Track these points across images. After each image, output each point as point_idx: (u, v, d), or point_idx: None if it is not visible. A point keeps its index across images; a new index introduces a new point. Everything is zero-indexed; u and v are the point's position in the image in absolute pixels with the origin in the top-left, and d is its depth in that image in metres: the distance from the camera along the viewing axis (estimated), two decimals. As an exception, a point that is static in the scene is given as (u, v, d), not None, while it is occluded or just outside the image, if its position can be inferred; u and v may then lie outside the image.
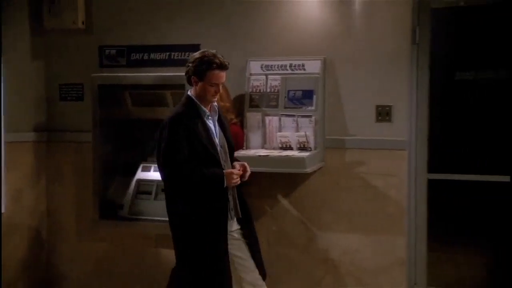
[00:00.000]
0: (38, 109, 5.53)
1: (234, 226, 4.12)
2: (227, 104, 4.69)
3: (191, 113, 4.01)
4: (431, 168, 4.63)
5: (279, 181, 4.81)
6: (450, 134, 4.92)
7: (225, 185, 3.95)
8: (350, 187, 4.68)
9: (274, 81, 4.80)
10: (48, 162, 5.57)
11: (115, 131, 5.34)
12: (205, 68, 3.93)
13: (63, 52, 5.49)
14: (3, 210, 5.04)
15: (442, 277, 4.86)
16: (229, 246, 4.00)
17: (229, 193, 4.05)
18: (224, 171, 3.98)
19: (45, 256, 5.62)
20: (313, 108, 4.66)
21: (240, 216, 4.14)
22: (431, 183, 4.65)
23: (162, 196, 5.02)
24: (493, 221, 4.79)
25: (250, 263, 4.13)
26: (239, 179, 3.99)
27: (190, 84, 4.08)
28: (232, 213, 4.11)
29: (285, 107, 4.74)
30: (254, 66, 4.83)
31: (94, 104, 5.25)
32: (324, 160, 4.69)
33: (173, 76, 5.04)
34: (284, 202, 4.90)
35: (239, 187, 4.13)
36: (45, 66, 5.55)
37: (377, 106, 4.61)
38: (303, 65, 4.73)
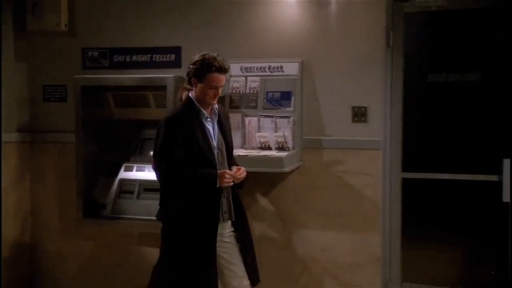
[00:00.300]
0: (22, 110, 5.53)
1: (226, 229, 4.07)
2: None
3: (189, 113, 4.00)
4: (407, 168, 4.68)
5: (258, 180, 4.78)
6: (424, 135, 4.97)
7: (218, 185, 3.92)
8: (327, 186, 4.73)
9: (253, 82, 4.83)
10: (31, 163, 5.57)
11: (98, 132, 5.33)
12: (205, 70, 3.92)
13: (46, 54, 5.49)
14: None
15: (416, 273, 4.92)
16: (219, 249, 3.98)
17: (223, 196, 4.02)
18: (217, 171, 3.95)
19: (29, 255, 5.60)
20: (291, 109, 4.70)
21: (233, 219, 4.10)
22: (408, 182, 4.70)
23: (145, 195, 5.22)
24: (467, 218, 4.83)
25: (239, 269, 4.07)
26: (231, 180, 3.94)
27: (191, 85, 4.06)
28: (226, 215, 4.06)
29: (264, 108, 4.78)
30: (234, 68, 4.83)
31: (77, 105, 5.24)
32: (302, 160, 4.74)
33: (155, 77, 5.07)
34: (263, 200, 4.94)
35: (234, 190, 4.10)
36: (28, 68, 5.54)
37: (353, 107, 4.66)
38: (281, 67, 4.77)
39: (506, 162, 4.40)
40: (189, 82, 4.06)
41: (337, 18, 4.70)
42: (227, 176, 3.92)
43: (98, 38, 5.33)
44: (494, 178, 4.45)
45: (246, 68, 4.86)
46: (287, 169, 4.52)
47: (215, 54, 3.97)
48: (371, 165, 4.66)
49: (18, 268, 5.52)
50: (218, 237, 3.98)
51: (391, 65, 4.65)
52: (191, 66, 3.99)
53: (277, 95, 4.77)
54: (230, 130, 4.23)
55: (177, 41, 5.10)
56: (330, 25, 4.72)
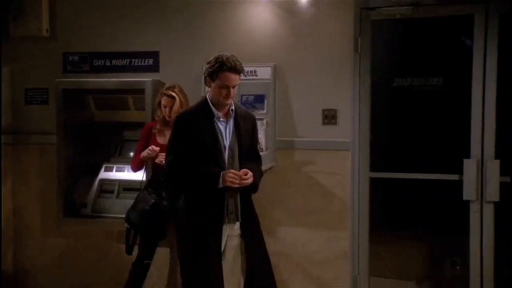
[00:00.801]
0: (4, 112, 5.53)
1: (234, 231, 3.96)
2: None
3: (201, 112, 3.93)
4: (376, 167, 4.78)
5: None
6: (391, 136, 5.08)
7: (221, 184, 3.82)
8: (299, 185, 4.82)
9: None
10: (14, 163, 5.58)
11: (79, 134, 5.39)
12: (217, 69, 3.84)
13: (28, 58, 5.52)
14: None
15: (383, 267, 5.03)
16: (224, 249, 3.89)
17: (229, 196, 3.90)
18: (222, 171, 3.84)
19: (12, 253, 5.61)
20: (264, 111, 4.77)
21: (240, 221, 3.95)
22: (379, 182, 4.82)
23: (124, 195, 5.29)
24: (433, 216, 4.97)
25: (236, 277, 3.96)
26: (236, 180, 3.80)
27: (206, 85, 4.01)
28: (232, 216, 3.93)
29: None
30: None
31: (59, 108, 5.29)
32: (275, 160, 4.82)
33: (134, 81, 5.14)
34: None
35: (246, 193, 3.97)
36: (11, 71, 5.56)
37: (324, 110, 4.75)
38: (255, 71, 4.83)
39: (466, 162, 4.51)
40: (205, 82, 4.00)
41: (308, 25, 4.79)
42: (230, 175, 3.81)
43: (79, 43, 5.37)
44: (455, 177, 4.56)
45: None
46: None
47: (229, 55, 3.90)
48: (340, 165, 4.75)
49: (2, 265, 5.50)
50: (226, 238, 3.89)
51: (359, 70, 4.74)
52: (206, 66, 3.93)
53: (251, 98, 4.84)
54: (250, 131, 4.06)
55: (155, 46, 5.16)
56: (302, 32, 4.81)
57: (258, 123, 4.70)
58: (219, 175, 3.81)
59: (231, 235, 3.94)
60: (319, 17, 4.76)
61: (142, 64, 5.21)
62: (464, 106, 4.51)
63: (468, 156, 4.53)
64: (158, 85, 4.98)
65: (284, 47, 4.85)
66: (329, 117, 4.75)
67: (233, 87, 3.89)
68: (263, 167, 4.58)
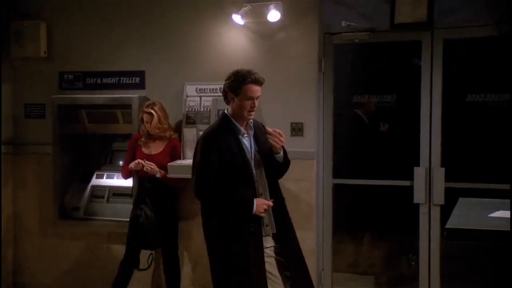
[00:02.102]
0: (6, 125, 5.61)
1: (269, 243, 3.70)
2: (165, 126, 4.87)
3: (225, 129, 3.69)
4: (340, 175, 4.92)
5: None
6: (352, 147, 5.25)
7: (254, 212, 3.58)
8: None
9: (207, 102, 4.99)
10: (14, 171, 5.68)
11: (73, 144, 5.51)
12: (240, 82, 3.63)
13: (27, 77, 5.64)
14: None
15: (345, 264, 5.21)
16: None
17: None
18: (255, 198, 3.60)
19: (12, 253, 5.71)
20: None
21: (275, 231, 3.72)
22: (343, 188, 4.95)
23: (113, 199, 5.43)
24: (390, 218, 5.15)
25: (280, 284, 3.69)
26: (266, 210, 3.61)
27: (227, 102, 3.76)
28: (268, 228, 3.70)
29: None
30: (190, 89, 5.02)
31: (54, 121, 5.42)
32: (248, 168, 5.00)
33: (122, 97, 5.26)
34: None
35: (279, 199, 3.77)
36: (12, 88, 5.68)
37: (292, 123, 4.90)
38: None
39: (416, 169, 4.69)
40: (225, 99, 3.75)
41: (278, 48, 4.95)
42: (265, 207, 3.61)
43: (73, 63, 5.50)
44: (407, 183, 4.72)
45: (200, 89, 5.02)
46: (235, 176, 4.77)
47: (248, 69, 3.73)
48: (306, 172, 4.87)
49: (2, 263, 5.56)
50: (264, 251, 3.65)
51: (323, 87, 4.89)
52: (226, 82, 3.71)
53: None
54: (265, 137, 3.78)
55: (141, 66, 5.29)
56: (272, 53, 4.95)
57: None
58: (252, 203, 3.59)
59: (265, 247, 3.68)
60: (288, 40, 4.92)
61: (130, 82, 5.34)
62: (415, 120, 4.66)
63: (418, 164, 4.69)
64: (143, 101, 5.11)
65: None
66: (297, 129, 4.90)
67: (257, 98, 3.69)
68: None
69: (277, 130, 3.70)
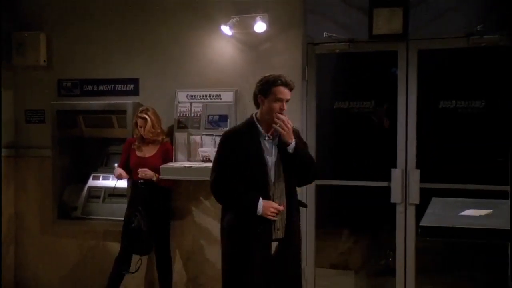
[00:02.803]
0: (8, 129, 5.58)
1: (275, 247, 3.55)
2: (158, 130, 4.85)
3: (247, 130, 3.57)
4: (321, 176, 4.73)
5: (201, 186, 4.98)
6: (334, 150, 5.23)
7: (259, 213, 3.44)
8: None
9: (197, 107, 4.97)
10: (15, 173, 5.64)
11: (71, 148, 5.47)
12: (270, 84, 3.51)
13: (28, 84, 5.59)
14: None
15: (327, 260, 5.18)
16: None
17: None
18: (263, 200, 3.45)
19: (14, 250, 5.66)
20: (227, 129, 4.72)
21: (283, 236, 3.56)
22: (326, 188, 4.93)
23: (109, 200, 5.39)
24: (369, 217, 5.12)
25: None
26: (276, 215, 3.45)
27: (257, 105, 3.62)
28: (278, 232, 3.54)
29: (206, 128, 4.93)
30: (181, 96, 5.00)
31: (53, 126, 5.38)
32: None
33: (117, 103, 5.23)
34: (206, 202, 5.10)
35: (294, 205, 3.61)
36: (13, 95, 5.63)
37: None
38: (219, 95, 4.94)
39: (393, 171, 4.69)
40: (255, 102, 3.62)
41: (264, 57, 4.93)
42: (272, 209, 3.45)
43: (71, 71, 5.46)
44: (385, 184, 4.72)
45: (191, 96, 4.99)
46: (223, 177, 4.75)
47: (280, 73, 3.61)
48: None
49: (5, 260, 5.53)
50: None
51: (306, 94, 4.88)
52: (257, 85, 3.59)
53: (216, 118, 4.94)
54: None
55: (135, 74, 5.26)
56: (259, 63, 4.92)
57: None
58: (256, 203, 3.45)
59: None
60: (273, 50, 4.90)
61: (124, 89, 5.30)
62: (392, 124, 4.69)
63: (394, 166, 4.70)
64: (137, 106, 5.06)
65: (244, 75, 4.94)
66: (282, 134, 4.89)
67: (286, 101, 3.55)
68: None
69: (282, 116, 3.52)
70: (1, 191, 5.19)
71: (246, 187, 3.52)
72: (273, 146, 3.56)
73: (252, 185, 3.51)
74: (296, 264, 3.71)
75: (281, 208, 3.52)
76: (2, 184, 5.48)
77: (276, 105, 3.50)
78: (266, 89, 3.53)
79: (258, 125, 3.56)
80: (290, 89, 3.56)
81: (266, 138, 3.56)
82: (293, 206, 3.63)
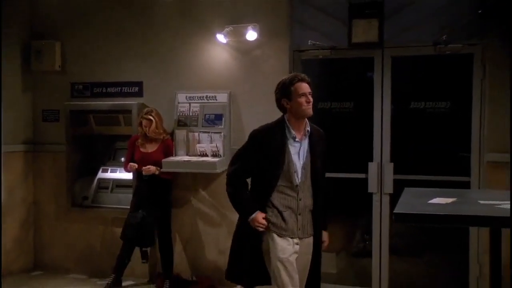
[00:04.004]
0: (27, 128, 5.57)
1: (294, 245, 3.24)
2: (161, 131, 4.81)
3: (275, 130, 3.26)
4: None
5: (199, 178, 4.99)
6: None
7: (249, 220, 3.21)
8: (249, 181, 4.87)
9: (195, 107, 4.95)
10: (34, 166, 5.61)
11: (83, 144, 5.44)
12: (288, 85, 3.24)
13: (45, 87, 5.55)
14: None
15: None
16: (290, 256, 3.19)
17: (297, 213, 3.25)
18: (255, 212, 3.20)
19: (33, 234, 5.64)
20: (222, 127, 4.87)
21: (307, 236, 3.29)
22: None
23: (117, 190, 5.38)
24: (350, 204, 4.96)
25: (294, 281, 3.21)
26: (263, 227, 3.19)
27: (283, 110, 3.29)
28: (299, 232, 3.25)
29: (203, 126, 4.92)
30: (181, 97, 4.97)
31: (67, 124, 5.37)
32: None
33: (124, 104, 5.20)
34: (203, 193, 5.07)
35: (318, 203, 3.30)
36: (32, 97, 5.59)
37: None
38: (215, 96, 4.92)
39: (370, 164, 4.66)
40: (281, 107, 3.30)
41: (254, 63, 4.90)
42: (256, 224, 3.19)
43: (82, 76, 5.42)
44: (363, 176, 4.68)
45: (190, 97, 4.96)
46: (219, 170, 4.71)
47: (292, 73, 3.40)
48: None
49: (25, 243, 5.57)
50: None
51: None
52: (276, 92, 3.31)
53: (212, 116, 4.92)
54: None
55: (140, 77, 5.22)
56: (250, 68, 4.90)
57: (217, 135, 4.83)
58: (250, 215, 3.22)
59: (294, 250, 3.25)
60: (263, 56, 4.87)
61: (130, 91, 5.26)
62: (369, 123, 4.64)
63: (371, 160, 4.66)
64: (141, 107, 5.06)
65: (237, 78, 4.94)
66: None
67: (309, 93, 3.28)
68: (221, 169, 4.63)
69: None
70: (1, 183, 5.13)
71: (266, 183, 3.22)
72: (302, 149, 3.26)
73: (273, 182, 3.21)
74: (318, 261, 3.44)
75: (265, 223, 3.21)
76: (21, 176, 5.49)
77: (302, 100, 3.23)
78: (286, 91, 3.26)
79: (288, 125, 3.27)
80: (308, 83, 3.30)
81: (296, 140, 3.26)
82: (319, 205, 3.33)
